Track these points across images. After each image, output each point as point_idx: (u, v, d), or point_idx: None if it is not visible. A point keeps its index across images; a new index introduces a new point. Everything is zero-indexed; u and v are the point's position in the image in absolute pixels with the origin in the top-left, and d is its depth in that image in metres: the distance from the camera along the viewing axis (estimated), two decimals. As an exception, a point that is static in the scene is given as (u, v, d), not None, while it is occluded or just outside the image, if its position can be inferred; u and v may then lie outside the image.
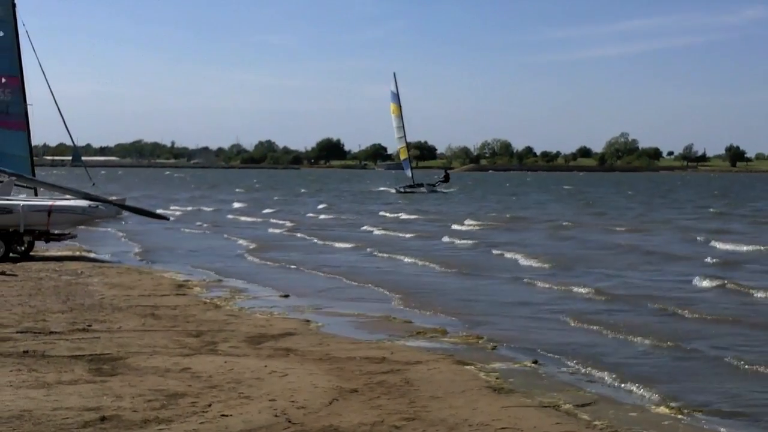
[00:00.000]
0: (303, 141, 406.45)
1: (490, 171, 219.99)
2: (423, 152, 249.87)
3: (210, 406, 8.98)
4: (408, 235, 32.43)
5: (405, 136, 78.72)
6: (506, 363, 11.83)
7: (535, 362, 11.86)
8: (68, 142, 36.73)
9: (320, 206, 55.14)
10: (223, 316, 14.87)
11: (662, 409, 9.68)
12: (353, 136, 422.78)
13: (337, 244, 28.95)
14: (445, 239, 30.70)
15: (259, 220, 42.27)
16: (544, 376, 11.16)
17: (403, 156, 79.61)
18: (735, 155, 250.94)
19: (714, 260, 23.91)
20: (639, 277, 20.97)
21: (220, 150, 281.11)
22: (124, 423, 8.31)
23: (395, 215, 45.37)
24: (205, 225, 37.03)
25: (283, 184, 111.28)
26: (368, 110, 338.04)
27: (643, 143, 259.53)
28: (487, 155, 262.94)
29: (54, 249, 25.09)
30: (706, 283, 19.46)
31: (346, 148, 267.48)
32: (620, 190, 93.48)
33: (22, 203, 23.27)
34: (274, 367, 10.75)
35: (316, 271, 21.85)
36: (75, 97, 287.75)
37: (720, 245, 28.72)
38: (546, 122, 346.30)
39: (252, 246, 28.22)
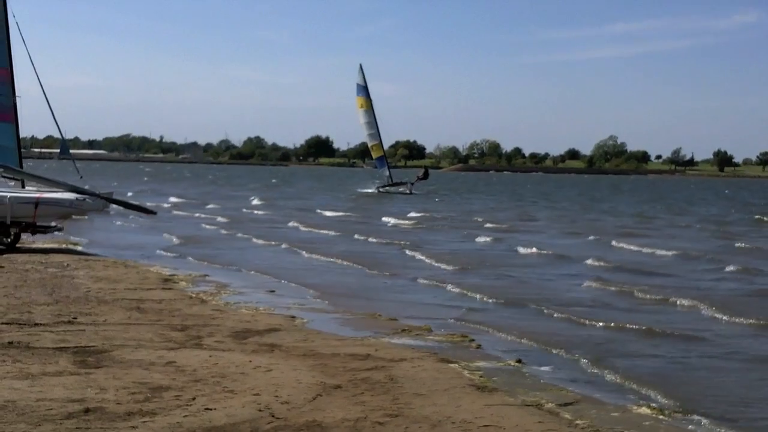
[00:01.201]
0: (292, 138, 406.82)
1: (475, 171, 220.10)
2: (412, 151, 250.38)
3: (194, 399, 9.01)
4: (331, 233, 32.80)
5: (378, 131, 73.48)
6: (490, 362, 11.88)
7: (519, 361, 11.91)
8: (56, 135, 36.59)
9: (254, 201, 55.54)
10: (208, 310, 14.89)
11: (643, 410, 9.75)
12: (343, 134, 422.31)
13: (259, 241, 29.03)
14: (357, 237, 30.93)
15: (195, 215, 41.91)
16: (528, 375, 11.22)
17: (376, 154, 74.40)
18: (723, 160, 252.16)
19: (602, 263, 24.16)
20: (531, 279, 21.04)
21: (209, 145, 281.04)
22: (107, 415, 8.33)
23: (329, 213, 45.58)
24: (141, 219, 36.17)
25: (250, 179, 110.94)
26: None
27: (632, 146, 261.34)
28: (476, 155, 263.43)
29: (40, 241, 25.05)
30: (591, 284, 19.91)
31: (336, 145, 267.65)
32: (581, 192, 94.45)
33: (9, 195, 23.22)
34: (258, 362, 10.79)
35: (235, 267, 21.85)
36: (64, 89, 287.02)
37: (627, 247, 29.38)
38: (535, 124, 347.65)
39: (176, 242, 28.02)
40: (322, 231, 33.63)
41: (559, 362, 12.15)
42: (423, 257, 24.90)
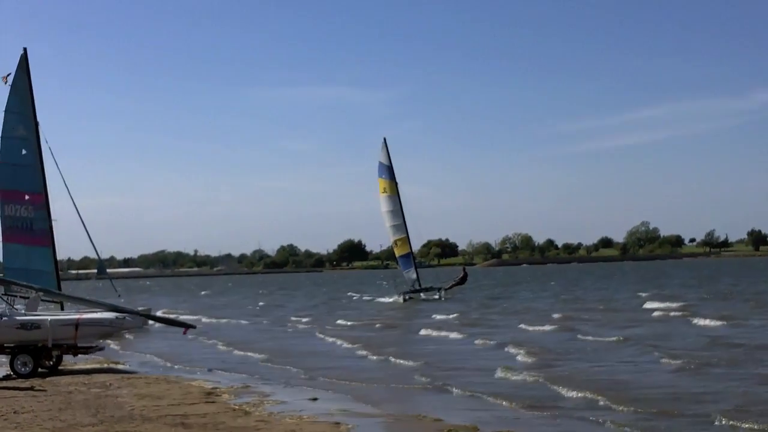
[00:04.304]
0: (325, 243, 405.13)
1: (509, 266, 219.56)
2: (444, 249, 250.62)
3: None
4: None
5: (404, 223, 60.35)
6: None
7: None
8: (92, 255, 37.05)
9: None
10: (253, 422, 14.85)
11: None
12: (375, 237, 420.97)
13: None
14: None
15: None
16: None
17: (401, 251, 60.72)
18: (757, 239, 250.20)
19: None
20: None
21: (243, 256, 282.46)
22: None
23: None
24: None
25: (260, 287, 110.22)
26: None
27: (665, 231, 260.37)
28: (508, 250, 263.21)
29: (82, 362, 25.17)
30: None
31: (368, 248, 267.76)
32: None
33: (49, 318, 23.42)
34: (306, 472, 10.73)
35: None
36: (96, 208, 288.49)
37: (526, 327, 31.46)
38: (567, 214, 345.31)
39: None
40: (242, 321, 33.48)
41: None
42: (341, 342, 24.81)
